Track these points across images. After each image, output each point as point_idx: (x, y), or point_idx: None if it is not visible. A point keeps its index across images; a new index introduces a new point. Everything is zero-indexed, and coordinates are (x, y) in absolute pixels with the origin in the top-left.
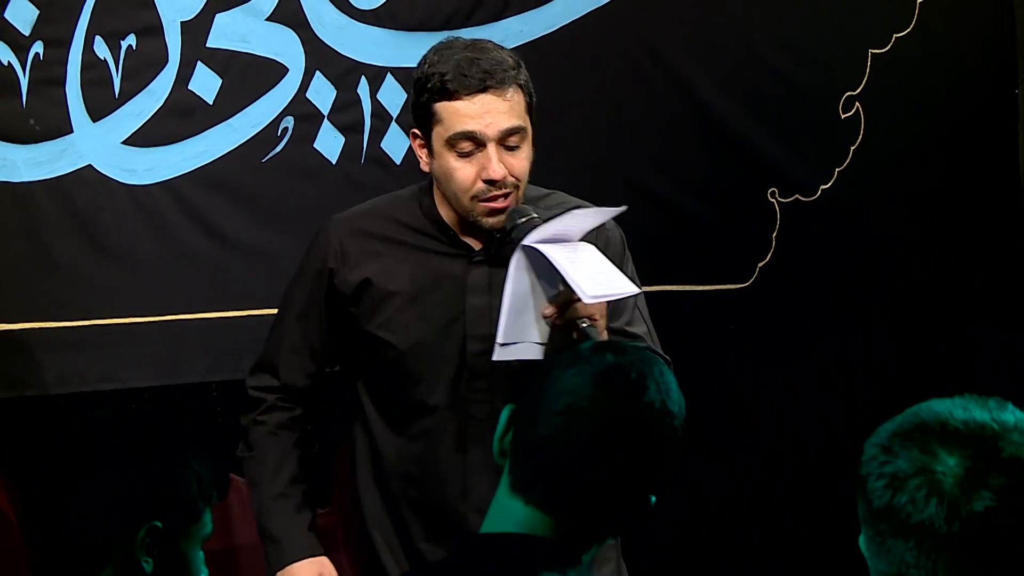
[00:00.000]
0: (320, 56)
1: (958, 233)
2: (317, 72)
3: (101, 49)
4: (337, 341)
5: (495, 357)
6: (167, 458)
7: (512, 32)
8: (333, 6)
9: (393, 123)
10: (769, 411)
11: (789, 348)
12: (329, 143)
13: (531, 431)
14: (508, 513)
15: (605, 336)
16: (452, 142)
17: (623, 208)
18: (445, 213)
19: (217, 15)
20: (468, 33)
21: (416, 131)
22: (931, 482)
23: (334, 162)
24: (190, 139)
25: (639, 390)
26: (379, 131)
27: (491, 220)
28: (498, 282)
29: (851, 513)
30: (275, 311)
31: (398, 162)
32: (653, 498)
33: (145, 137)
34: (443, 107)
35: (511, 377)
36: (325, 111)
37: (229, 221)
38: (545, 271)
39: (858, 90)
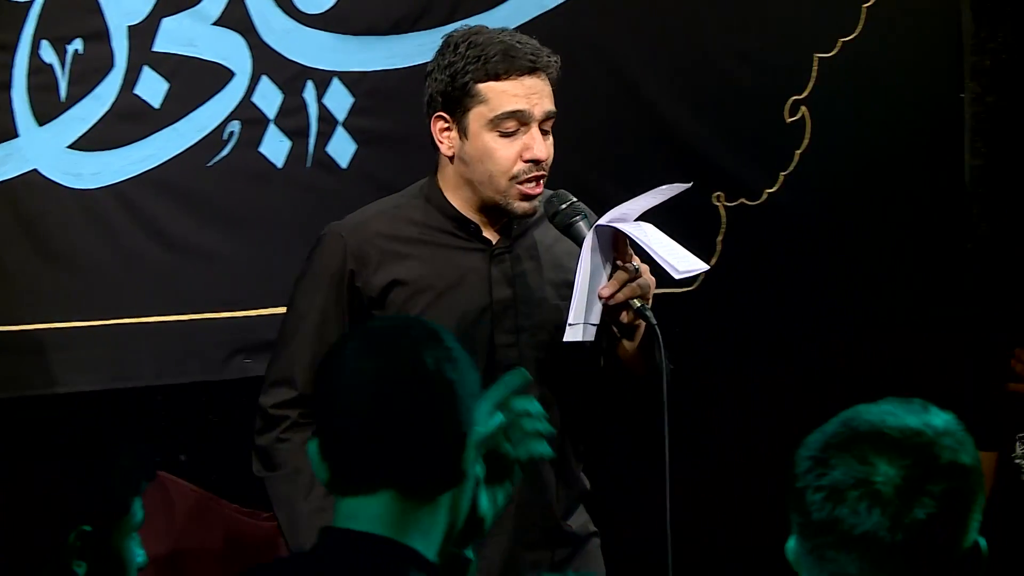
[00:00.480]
0: (267, 60)
1: (904, 238)
2: (264, 76)
3: (47, 53)
4: None
5: (566, 338)
6: (91, 460)
7: None
8: (280, 10)
9: (339, 127)
10: (717, 415)
11: (735, 352)
12: (275, 147)
13: (326, 430)
14: (349, 511)
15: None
16: (497, 121)
17: (688, 184)
18: (461, 204)
19: (164, 19)
20: (415, 38)
21: (443, 114)
22: (871, 492)
23: (280, 166)
24: (136, 143)
25: (397, 341)
26: (325, 135)
27: (524, 205)
28: (519, 274)
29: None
30: (219, 314)
31: (344, 166)
32: (480, 432)
33: (91, 141)
34: (489, 87)
35: (540, 368)
36: (271, 115)
37: (175, 225)
38: (603, 252)
39: (804, 94)
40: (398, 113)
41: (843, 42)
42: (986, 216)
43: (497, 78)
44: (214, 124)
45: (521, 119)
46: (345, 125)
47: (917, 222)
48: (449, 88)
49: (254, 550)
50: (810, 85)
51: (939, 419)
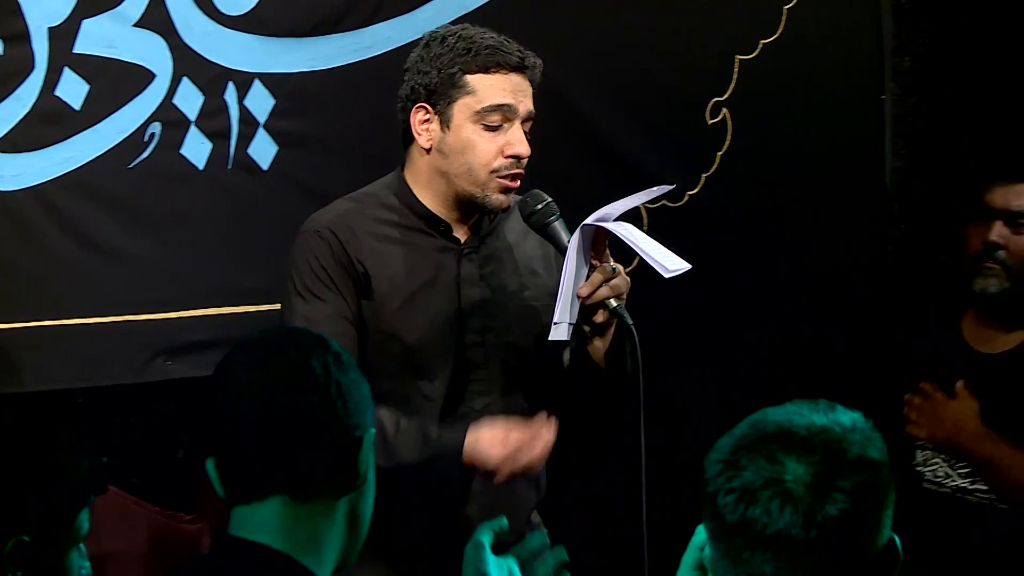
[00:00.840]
0: (188, 62)
1: (825, 239)
2: (184, 78)
3: None
4: (363, 336)
5: (552, 337)
6: (32, 468)
7: (381, 38)
8: (201, 12)
9: (260, 129)
10: (642, 417)
11: (659, 355)
12: (196, 149)
13: (221, 448)
14: (242, 519)
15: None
16: (483, 113)
17: (671, 187)
18: (431, 200)
19: (84, 21)
20: (337, 40)
21: (425, 105)
22: (783, 491)
23: (201, 168)
24: (57, 145)
25: (281, 349)
26: (246, 137)
27: (501, 197)
28: (487, 274)
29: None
30: (141, 317)
31: (265, 168)
32: (367, 433)
33: (12, 143)
34: (478, 79)
35: (505, 368)
36: (192, 117)
37: (96, 227)
38: (584, 252)
39: (725, 96)
40: (319, 115)
41: (764, 43)
42: (906, 217)
43: (486, 70)
44: (135, 126)
45: (506, 114)
46: (266, 127)
47: (838, 223)
48: (436, 79)
49: (176, 552)
50: (731, 87)
51: (846, 417)
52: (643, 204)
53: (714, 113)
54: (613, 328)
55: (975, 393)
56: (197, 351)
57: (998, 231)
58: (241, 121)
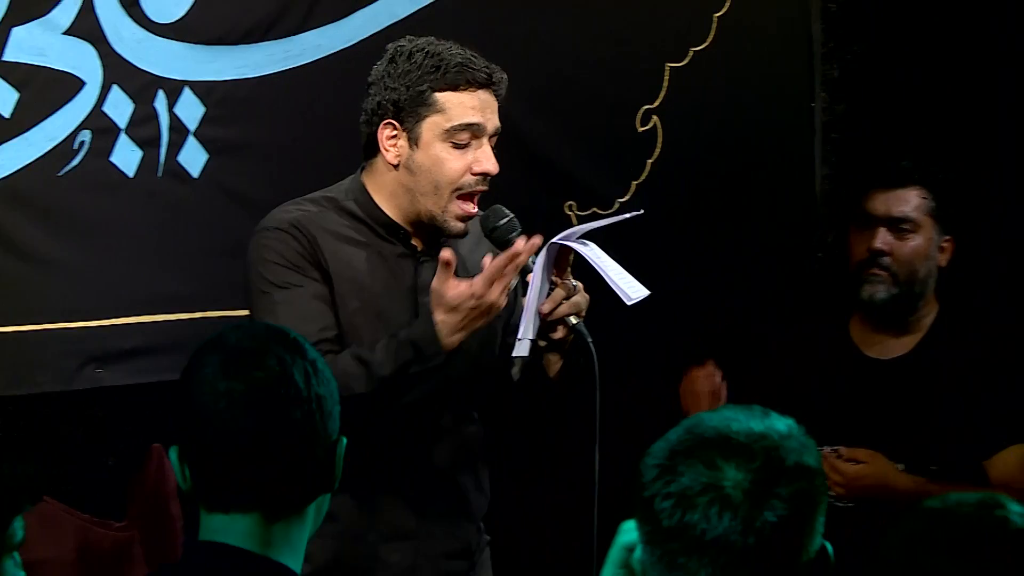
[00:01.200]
0: (118, 70)
1: (755, 246)
2: (115, 86)
3: None
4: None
5: (515, 353)
6: None
7: (311, 46)
8: (131, 20)
9: (191, 137)
10: (598, 431)
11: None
12: (126, 157)
13: (196, 449)
14: (218, 526)
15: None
16: (452, 132)
17: (639, 212)
18: (392, 211)
19: (14, 29)
20: (267, 47)
21: (392, 122)
22: (721, 497)
23: (131, 175)
24: None
25: (262, 356)
26: (176, 145)
27: (459, 225)
28: None
29: None
30: (71, 324)
31: (195, 176)
32: (344, 440)
33: None
34: (447, 97)
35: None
36: (123, 125)
37: (26, 235)
38: (548, 269)
39: (656, 103)
40: (249, 122)
41: (694, 52)
42: (835, 225)
43: (456, 88)
44: (65, 134)
45: (475, 132)
46: (196, 135)
47: (768, 231)
48: (404, 96)
49: (107, 560)
50: (662, 94)
51: (781, 423)
52: (577, 212)
53: (644, 121)
54: (568, 344)
55: (864, 396)
56: (127, 359)
57: (882, 238)
58: (171, 129)
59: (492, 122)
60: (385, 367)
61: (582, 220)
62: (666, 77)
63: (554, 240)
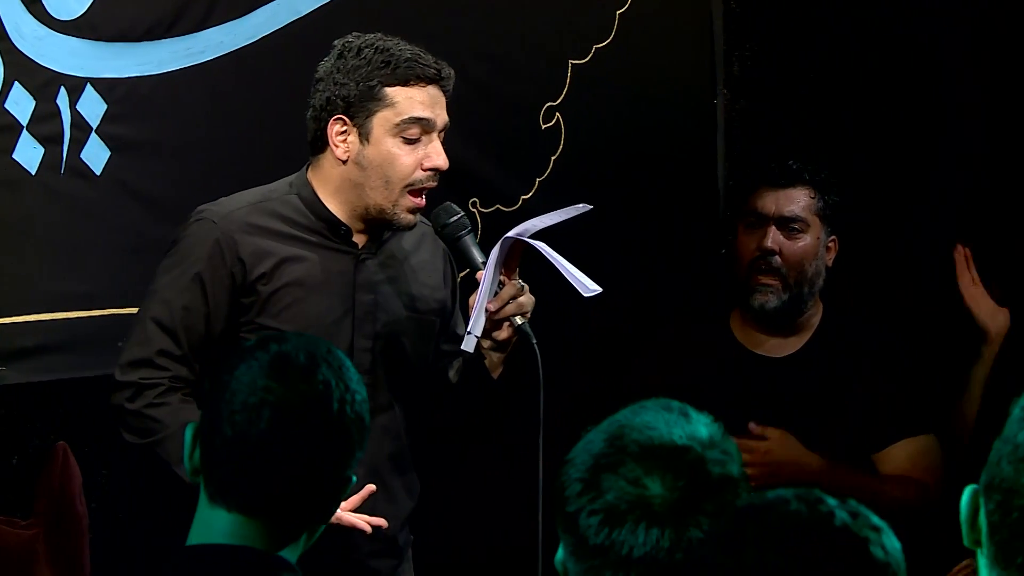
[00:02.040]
0: (19, 67)
1: (657, 242)
2: (16, 83)
3: None
4: (219, 334)
5: (463, 347)
6: None
7: (213, 43)
8: (32, 17)
9: (93, 134)
10: (541, 435)
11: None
12: (28, 154)
13: (216, 438)
14: (213, 524)
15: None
16: (403, 126)
17: (589, 207)
18: (337, 207)
19: None
20: (169, 44)
21: (343, 118)
22: (648, 515)
23: (33, 173)
24: None
25: (310, 372)
26: (79, 142)
27: (410, 217)
28: (381, 280)
29: None
30: None
31: (98, 173)
32: (354, 478)
33: None
34: (397, 91)
35: (390, 374)
36: (24, 122)
37: None
38: (497, 266)
39: (558, 100)
40: (152, 120)
41: (597, 49)
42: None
43: (406, 83)
44: None
45: (425, 127)
46: (98, 132)
47: (671, 227)
48: (354, 91)
49: (11, 558)
50: (564, 91)
51: (703, 429)
52: (480, 208)
53: (547, 118)
54: (511, 345)
55: (754, 393)
56: (29, 356)
57: (773, 237)
58: (73, 126)
59: (441, 117)
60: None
61: (485, 217)
62: (569, 74)
63: (508, 235)
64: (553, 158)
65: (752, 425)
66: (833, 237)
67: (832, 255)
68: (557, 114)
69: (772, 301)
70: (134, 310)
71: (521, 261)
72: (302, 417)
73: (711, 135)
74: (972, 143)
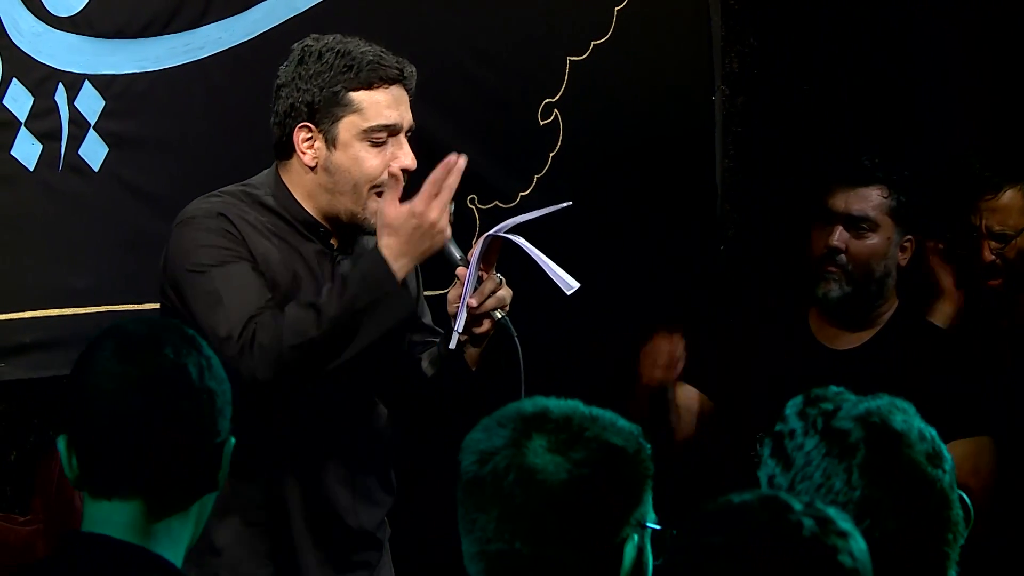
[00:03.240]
0: (16, 63)
1: (657, 239)
2: (14, 79)
3: None
4: None
5: (454, 345)
6: None
7: (211, 39)
8: (30, 13)
9: (91, 130)
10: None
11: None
12: (26, 150)
13: (84, 435)
14: (100, 516)
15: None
16: (370, 131)
17: (568, 203)
18: (311, 208)
19: None
20: (167, 41)
21: (308, 124)
22: (515, 454)
23: (31, 169)
24: None
25: (157, 347)
26: (77, 138)
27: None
28: None
29: None
30: None
31: (96, 169)
32: (231, 439)
33: None
34: (362, 96)
35: (370, 372)
36: (22, 118)
37: None
38: (478, 263)
39: (557, 97)
40: (149, 116)
41: (595, 45)
42: (736, 217)
43: (369, 87)
44: None
45: (392, 130)
46: (96, 128)
47: (669, 223)
48: (318, 97)
49: (11, 554)
50: (563, 87)
51: (596, 410)
52: (478, 205)
53: (545, 114)
54: (490, 338)
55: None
56: (27, 353)
57: (840, 236)
58: (71, 122)
59: (407, 119)
60: (333, 306)
61: (483, 213)
62: (567, 71)
63: (490, 233)
64: (551, 154)
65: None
66: (909, 237)
67: (908, 255)
68: (555, 110)
69: (835, 290)
70: (132, 306)
71: (499, 255)
72: (159, 392)
73: (709, 131)
74: (968, 142)
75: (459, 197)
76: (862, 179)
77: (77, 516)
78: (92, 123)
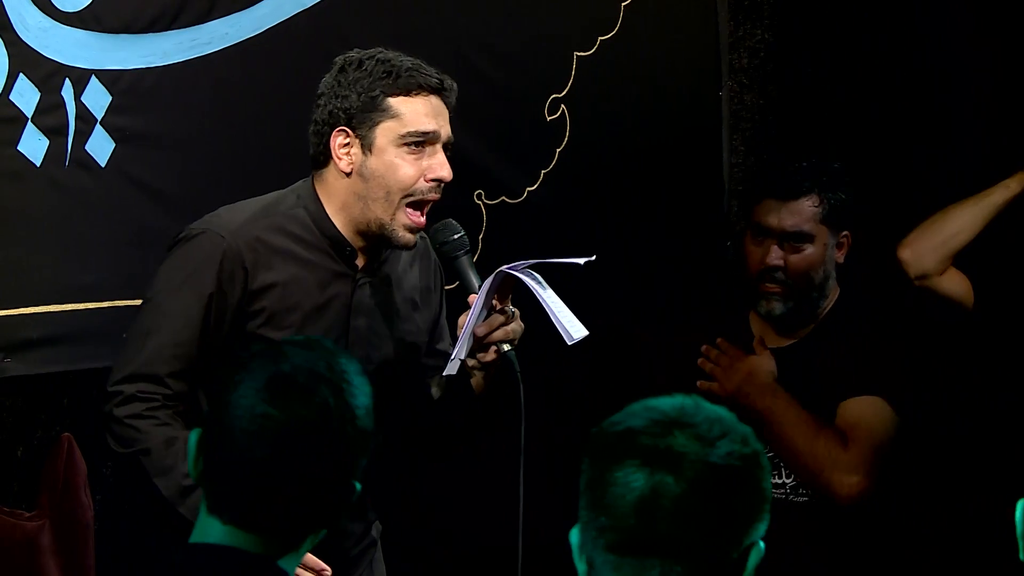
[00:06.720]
0: (23, 58)
1: (663, 234)
2: (21, 74)
3: None
4: (218, 349)
5: (446, 372)
6: None
7: (218, 35)
8: (36, 8)
9: (98, 126)
10: (522, 458)
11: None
12: (33, 146)
13: (215, 455)
14: (209, 532)
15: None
16: (407, 137)
17: (591, 257)
18: (342, 223)
19: None
20: (174, 36)
21: (345, 129)
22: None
23: (38, 165)
24: None
25: (308, 394)
26: (83, 134)
27: (408, 236)
28: (376, 304)
29: None
30: None
31: (103, 165)
32: (358, 485)
33: None
34: (400, 102)
35: (382, 395)
36: (29, 114)
37: None
38: (490, 293)
39: (563, 92)
40: (156, 111)
41: (602, 40)
42: (742, 214)
43: (408, 93)
44: None
45: (429, 139)
46: (103, 124)
47: (676, 220)
48: (356, 103)
49: (17, 550)
50: (570, 83)
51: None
52: (485, 201)
53: (552, 110)
54: (495, 367)
55: None
56: (35, 348)
57: (776, 254)
58: (78, 118)
59: (445, 130)
60: (183, 502)
61: (490, 210)
62: (574, 66)
63: (503, 269)
64: (558, 150)
65: (722, 342)
66: (845, 233)
67: (844, 251)
68: (562, 106)
69: (778, 308)
70: (138, 302)
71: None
72: (301, 443)
73: (716, 127)
74: (978, 138)
75: (466, 192)
76: (792, 191)
77: (83, 512)
78: (99, 118)
